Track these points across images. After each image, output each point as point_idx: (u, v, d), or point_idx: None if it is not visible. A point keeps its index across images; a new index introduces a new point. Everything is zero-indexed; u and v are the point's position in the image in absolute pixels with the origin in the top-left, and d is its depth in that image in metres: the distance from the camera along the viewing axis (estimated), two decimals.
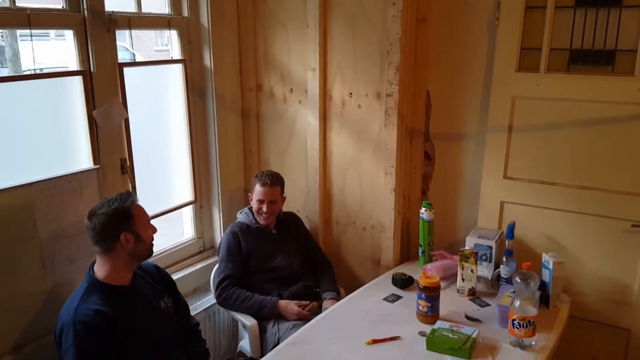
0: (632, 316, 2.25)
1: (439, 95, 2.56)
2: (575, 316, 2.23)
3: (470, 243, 2.33)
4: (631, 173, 2.17)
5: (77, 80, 2.08)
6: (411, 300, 2.11)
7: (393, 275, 2.38)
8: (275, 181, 2.49)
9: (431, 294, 2.01)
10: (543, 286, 2.09)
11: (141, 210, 1.87)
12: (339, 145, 2.64)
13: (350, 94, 2.53)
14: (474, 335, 1.83)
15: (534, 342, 1.84)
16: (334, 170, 2.69)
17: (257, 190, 2.47)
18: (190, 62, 2.58)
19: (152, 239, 1.90)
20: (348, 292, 2.37)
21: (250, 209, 2.56)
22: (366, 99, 2.50)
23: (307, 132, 2.68)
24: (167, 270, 2.24)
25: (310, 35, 2.53)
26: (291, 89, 2.69)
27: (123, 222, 1.79)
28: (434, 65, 2.53)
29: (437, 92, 2.56)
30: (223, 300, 2.38)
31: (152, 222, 1.93)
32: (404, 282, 2.32)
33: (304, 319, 2.23)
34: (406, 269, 2.46)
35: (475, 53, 2.42)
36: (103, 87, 2.13)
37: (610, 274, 2.27)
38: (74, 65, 2.08)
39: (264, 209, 2.46)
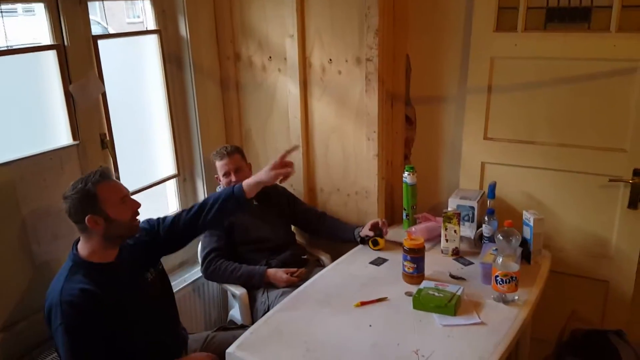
0: (611, 268, 2.32)
1: (418, 58, 2.55)
2: (555, 271, 2.30)
3: (452, 204, 2.38)
4: (607, 129, 2.21)
5: (51, 55, 2.04)
6: (397, 262, 2.15)
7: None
8: (232, 150, 2.48)
9: (416, 255, 2.05)
10: (524, 243, 2.14)
11: (109, 189, 1.78)
12: (320, 112, 2.63)
13: (330, 60, 2.51)
14: (459, 293, 1.88)
15: (516, 297, 1.90)
16: (317, 138, 2.69)
17: (219, 166, 2.46)
18: (166, 32, 2.53)
19: (133, 216, 1.84)
20: (334, 258, 2.40)
21: None
22: (346, 65, 2.48)
23: (288, 101, 2.67)
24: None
25: (287, 0, 2.49)
26: (270, 57, 2.66)
27: (87, 204, 1.73)
28: (412, 28, 2.52)
29: (417, 55, 2.55)
30: (211, 273, 2.39)
31: (135, 197, 1.90)
32: (374, 242, 2.36)
33: (293, 285, 2.26)
34: (391, 233, 2.50)
35: (453, 14, 2.41)
36: (78, 61, 2.09)
37: (588, 228, 2.34)
38: (47, 40, 2.03)
39: (233, 179, 2.43)
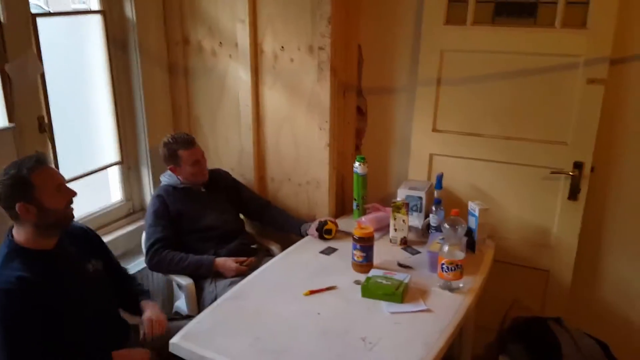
0: (551, 258, 2.41)
1: (370, 49, 2.56)
2: (499, 260, 2.36)
3: (401, 195, 2.40)
4: (550, 122, 2.28)
5: None
6: (347, 251, 2.15)
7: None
8: (194, 138, 2.45)
9: (365, 244, 2.05)
10: (470, 232, 2.19)
11: (45, 176, 1.69)
12: (272, 101, 2.60)
13: (282, 47, 2.48)
14: (406, 281, 1.90)
15: (461, 285, 1.94)
16: (268, 126, 2.65)
17: (188, 154, 2.38)
18: (110, 13, 2.43)
19: (68, 205, 1.76)
20: (285, 248, 2.39)
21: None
22: (298, 53, 2.46)
23: (239, 88, 2.61)
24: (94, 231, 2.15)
25: None
26: (220, 43, 2.60)
27: (19, 191, 1.64)
28: (365, 19, 2.52)
29: (369, 45, 2.56)
30: (155, 264, 2.31)
31: (74, 184, 1.82)
32: (327, 232, 2.36)
33: (242, 275, 2.22)
34: (341, 223, 2.50)
35: (404, 6, 2.43)
36: (15, 39, 1.98)
37: (531, 219, 2.41)
38: None
39: (203, 164, 2.43)
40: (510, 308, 2.43)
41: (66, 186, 1.77)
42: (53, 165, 1.78)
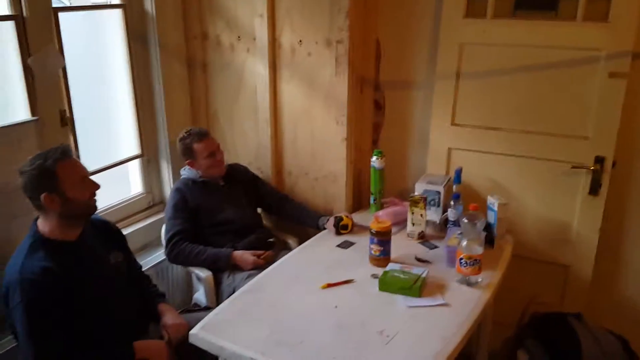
0: (572, 253, 2.38)
1: (388, 43, 2.55)
2: (518, 255, 2.34)
3: (419, 189, 2.39)
4: (571, 116, 2.25)
5: (10, 26, 1.96)
6: (364, 245, 2.15)
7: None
8: (207, 131, 2.49)
9: (383, 238, 2.05)
10: (488, 227, 2.17)
11: (70, 168, 1.72)
12: (289, 95, 2.60)
13: (300, 41, 2.48)
14: (424, 275, 1.90)
15: (480, 279, 1.93)
16: (285, 120, 2.66)
17: (201, 147, 2.41)
18: (131, 7, 2.46)
19: (91, 196, 1.79)
20: (302, 242, 2.39)
21: None
22: (316, 47, 2.45)
23: (257, 82, 2.62)
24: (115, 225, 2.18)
25: None
26: (239, 37, 2.61)
27: (44, 182, 1.67)
28: (383, 13, 2.51)
29: (387, 39, 2.54)
30: (175, 256, 2.34)
31: (95, 177, 1.85)
32: (343, 227, 2.35)
33: (260, 268, 2.24)
34: (358, 217, 2.50)
35: (423, 0, 2.41)
36: (37, 33, 2.01)
37: (551, 214, 2.39)
38: (5, 10, 1.94)
39: (219, 157, 2.45)
40: (529, 303, 2.41)
41: (90, 178, 1.81)
42: (77, 158, 1.80)
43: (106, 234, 1.98)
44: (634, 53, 2.07)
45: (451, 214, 2.24)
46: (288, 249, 2.52)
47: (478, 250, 1.89)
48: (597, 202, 2.26)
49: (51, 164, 1.68)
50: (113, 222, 2.16)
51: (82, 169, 1.79)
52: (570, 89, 2.22)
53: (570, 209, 2.33)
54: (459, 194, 2.26)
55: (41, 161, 1.68)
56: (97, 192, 1.82)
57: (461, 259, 1.90)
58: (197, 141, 2.41)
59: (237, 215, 2.47)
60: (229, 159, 2.69)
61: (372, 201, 2.60)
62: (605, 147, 2.19)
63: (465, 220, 1.92)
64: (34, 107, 2.04)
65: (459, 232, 2.06)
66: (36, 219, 1.77)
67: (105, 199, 2.51)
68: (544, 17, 2.22)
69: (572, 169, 2.26)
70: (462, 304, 1.81)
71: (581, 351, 2.04)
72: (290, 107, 2.62)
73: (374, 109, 2.68)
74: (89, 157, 2.20)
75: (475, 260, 1.88)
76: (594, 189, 2.24)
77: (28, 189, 1.69)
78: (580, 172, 2.26)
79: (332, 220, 2.40)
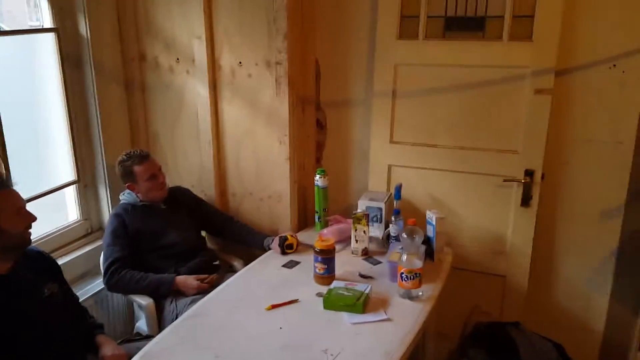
0: (507, 264, 2.47)
1: (327, 63, 2.60)
2: (457, 267, 2.42)
3: (362, 206, 2.43)
4: (501, 132, 2.35)
5: None
6: (309, 264, 2.16)
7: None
8: (148, 153, 2.44)
9: (326, 256, 2.07)
10: (428, 241, 2.23)
11: (6, 198, 1.69)
12: (231, 116, 2.60)
13: (240, 62, 2.49)
14: (367, 291, 1.93)
15: (421, 293, 1.97)
16: (228, 141, 2.65)
17: (142, 169, 2.35)
18: (64, 30, 2.40)
19: (26, 229, 1.74)
20: (247, 263, 2.38)
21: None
22: (256, 68, 2.47)
23: (197, 104, 2.61)
24: (52, 255, 2.10)
25: (193, 0, 2.45)
26: (177, 59, 2.59)
27: None
28: (321, 34, 2.56)
29: (326, 60, 2.59)
30: (114, 284, 2.27)
31: (30, 205, 1.78)
32: (288, 246, 2.37)
33: (204, 292, 2.20)
34: (304, 236, 2.51)
35: (359, 21, 2.48)
36: None
37: (487, 226, 2.48)
38: None
39: (161, 179, 2.41)
40: (470, 314, 2.48)
41: (26, 210, 1.75)
42: (15, 189, 1.74)
43: (40, 264, 1.90)
44: (557, 70, 2.20)
45: (393, 229, 2.29)
46: (233, 271, 2.49)
47: (418, 264, 1.93)
48: (528, 213, 2.36)
49: None
50: (48, 251, 2.08)
51: (19, 199, 1.74)
52: (500, 106, 2.33)
53: (504, 221, 2.43)
54: (399, 209, 2.32)
55: None
56: (33, 224, 1.76)
57: (402, 273, 1.94)
58: (137, 163, 2.36)
59: (179, 239, 2.42)
60: (171, 181, 2.65)
61: (317, 219, 2.61)
62: (534, 160, 2.30)
63: (405, 236, 1.97)
64: None
65: (400, 247, 2.11)
66: None
67: (41, 228, 2.41)
68: (472, 38, 2.32)
69: (504, 182, 2.36)
70: (404, 318, 1.85)
71: (520, 358, 2.12)
72: (232, 128, 2.62)
73: (316, 127, 2.71)
74: (22, 184, 2.12)
75: (416, 274, 1.93)
76: (526, 201, 2.35)
77: None
78: (512, 185, 2.36)
79: (277, 240, 2.40)
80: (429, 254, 2.23)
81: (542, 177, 2.32)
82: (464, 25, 2.31)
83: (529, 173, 2.32)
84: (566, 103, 2.27)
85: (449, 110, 2.40)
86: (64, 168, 2.52)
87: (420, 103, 2.44)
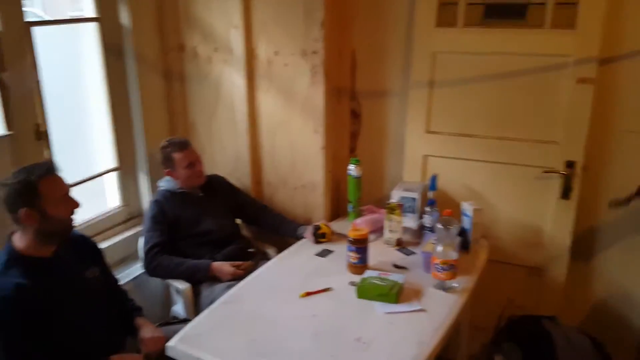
0: (544, 257, 2.42)
1: (363, 52, 2.58)
2: (493, 259, 2.38)
3: (396, 196, 2.42)
4: (541, 122, 2.30)
5: None
6: (342, 254, 2.17)
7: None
8: (188, 141, 2.49)
9: (360, 246, 2.07)
10: (463, 232, 2.21)
11: (53, 184, 1.72)
12: (267, 105, 2.62)
13: (276, 52, 2.51)
14: (401, 281, 1.92)
15: (455, 284, 1.96)
16: (263, 131, 2.67)
17: (181, 157, 2.41)
18: (106, 20, 2.45)
19: (70, 215, 1.79)
20: (280, 251, 2.41)
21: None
22: (292, 58, 2.48)
23: (234, 93, 2.64)
24: (93, 239, 2.16)
25: None
26: (215, 49, 2.63)
27: (25, 197, 1.66)
28: (358, 23, 2.54)
29: (362, 49, 2.58)
30: (153, 269, 2.33)
31: (72, 191, 1.83)
32: (321, 235, 2.38)
33: (239, 279, 2.24)
34: (337, 225, 2.52)
35: (397, 10, 2.45)
36: (11, 48, 2.01)
37: (524, 218, 2.43)
38: None
39: (197, 167, 2.45)
40: (505, 307, 2.45)
41: (71, 197, 1.80)
42: (62, 175, 1.79)
43: (83, 248, 1.96)
44: (600, 59, 2.13)
45: (427, 220, 2.27)
46: (267, 259, 2.52)
47: (453, 255, 1.92)
48: (568, 205, 2.31)
49: (35, 180, 1.67)
50: (90, 236, 2.15)
51: (64, 186, 1.78)
52: (540, 95, 2.28)
53: (543, 213, 2.38)
54: (435, 200, 2.30)
55: (25, 176, 1.67)
56: (76, 209, 1.82)
57: (437, 264, 1.92)
58: (177, 151, 2.41)
59: (216, 226, 2.47)
60: (208, 170, 2.69)
61: (350, 209, 2.62)
62: (575, 151, 2.24)
63: (440, 226, 1.95)
64: (8, 121, 2.03)
65: (434, 238, 2.09)
66: (10, 235, 1.76)
67: (82, 213, 2.49)
68: (513, 25, 2.27)
69: (543, 174, 2.31)
70: (438, 309, 1.84)
71: (556, 353, 2.08)
72: (268, 117, 2.64)
73: (351, 117, 2.71)
74: (65, 171, 2.19)
75: (451, 265, 1.91)
76: (566, 193, 2.29)
77: (8, 202, 1.68)
78: (552, 177, 2.31)
79: (310, 228, 2.41)
80: (464, 246, 2.20)
81: (584, 169, 2.26)
82: (505, 12, 2.27)
83: (570, 164, 2.26)
84: (609, 93, 2.20)
85: (488, 100, 2.36)
86: (105, 155, 2.59)
87: (458, 92, 2.40)
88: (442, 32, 2.36)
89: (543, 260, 2.43)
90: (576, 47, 2.15)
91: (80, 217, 2.41)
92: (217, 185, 2.60)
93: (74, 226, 1.84)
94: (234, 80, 2.61)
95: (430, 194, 2.35)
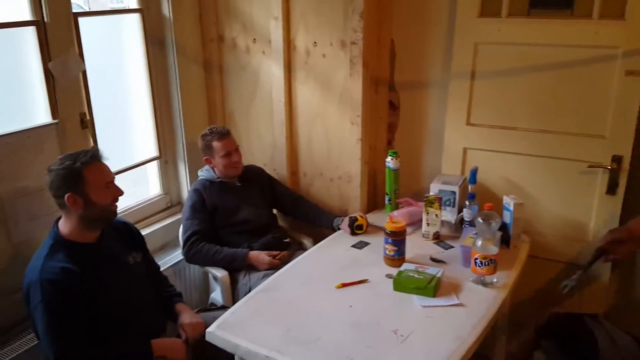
0: (588, 253, 2.34)
1: (403, 43, 2.55)
2: (535, 255, 2.32)
3: (434, 189, 2.39)
4: (587, 115, 2.23)
5: (31, 31, 2.00)
6: (379, 246, 2.16)
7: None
8: (229, 130, 2.50)
9: (397, 238, 2.06)
10: (504, 227, 2.16)
11: (97, 171, 1.76)
12: (304, 96, 2.62)
13: (315, 43, 2.50)
14: (439, 275, 1.90)
15: (495, 280, 1.92)
16: (300, 121, 2.68)
17: (219, 146, 2.44)
18: (148, 11, 2.49)
19: (113, 202, 1.83)
20: (316, 242, 2.41)
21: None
22: (331, 48, 2.47)
23: (272, 84, 2.65)
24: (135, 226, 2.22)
25: None
26: (254, 39, 2.64)
27: (70, 182, 1.71)
28: (397, 13, 2.51)
29: (402, 39, 2.55)
30: (192, 256, 2.38)
31: (115, 179, 1.87)
32: (358, 227, 2.37)
33: (275, 268, 2.26)
34: (373, 217, 2.51)
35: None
36: (58, 37, 2.06)
37: (567, 214, 2.37)
38: (27, 16, 1.99)
39: (235, 158, 2.46)
40: (546, 304, 2.39)
41: (115, 184, 1.85)
42: (107, 163, 1.84)
43: (126, 235, 2.01)
44: None
45: (466, 214, 2.23)
46: (303, 249, 2.54)
47: (493, 250, 1.88)
48: (614, 201, 2.23)
49: (80, 166, 1.72)
50: (132, 223, 2.20)
51: (109, 174, 1.83)
52: (586, 88, 2.20)
53: (587, 208, 2.31)
54: (475, 194, 2.26)
55: (70, 162, 1.73)
56: (119, 198, 1.86)
57: (476, 259, 1.89)
58: (216, 139, 2.44)
59: (253, 216, 2.49)
60: (245, 160, 2.71)
61: (387, 201, 2.60)
62: (622, 146, 2.17)
63: (481, 220, 1.92)
64: (54, 110, 2.09)
65: (474, 232, 2.06)
66: (57, 220, 1.81)
67: (125, 200, 2.55)
68: (559, 16, 2.20)
69: (588, 169, 2.24)
70: (477, 304, 1.81)
71: (598, 351, 2.02)
72: (305, 108, 2.64)
73: (389, 109, 2.68)
74: (109, 159, 2.25)
75: (491, 260, 1.88)
76: (612, 189, 2.22)
77: (54, 187, 1.73)
78: (597, 172, 2.24)
79: (346, 220, 2.41)
80: (505, 241, 2.16)
81: (631, 164, 2.18)
82: (551, 2, 2.20)
83: (617, 159, 2.18)
84: None
85: (531, 92, 2.30)
86: (147, 144, 2.64)
87: (501, 84, 2.35)
88: (485, 23, 2.30)
89: (586, 257, 2.35)
90: (625, 38, 2.07)
91: (123, 204, 2.49)
92: (254, 176, 2.63)
93: (116, 214, 1.88)
94: (272, 70, 2.62)
95: (470, 188, 2.31)
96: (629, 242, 1.88)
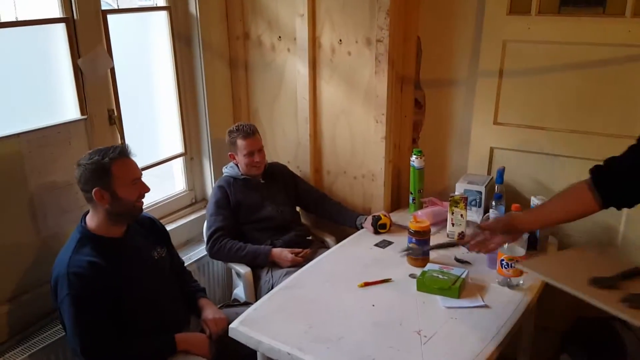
0: (617, 256, 2.30)
1: (429, 40, 2.52)
2: None
3: (460, 189, 2.36)
4: (619, 115, 2.17)
5: (61, 28, 2.03)
6: (402, 245, 2.14)
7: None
8: (255, 130, 2.49)
9: (421, 238, 2.04)
10: None
11: (124, 167, 1.79)
12: (329, 94, 2.62)
13: (340, 40, 2.49)
14: (463, 276, 1.88)
15: (521, 282, 1.89)
16: (325, 119, 2.67)
17: (243, 144, 2.44)
18: (176, 9, 2.52)
19: (139, 198, 1.85)
20: (339, 240, 2.41)
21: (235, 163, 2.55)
22: (356, 46, 2.46)
23: (297, 82, 2.65)
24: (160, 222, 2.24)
25: None
26: (279, 37, 2.64)
27: (97, 177, 1.74)
28: (424, 10, 2.48)
29: (428, 37, 2.52)
30: (216, 252, 2.39)
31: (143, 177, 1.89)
32: (381, 226, 2.36)
33: (298, 265, 2.26)
34: (397, 216, 2.49)
35: None
36: (87, 34, 2.09)
37: (596, 216, 2.28)
38: (56, 13, 2.02)
39: (257, 158, 2.46)
40: (574, 308, 2.34)
41: (142, 181, 1.86)
42: (135, 159, 1.86)
43: (151, 230, 2.04)
44: None
45: (493, 214, 2.20)
46: (326, 247, 2.54)
47: (520, 251, 1.85)
48: None
49: (108, 162, 1.75)
50: (157, 218, 2.23)
51: (136, 170, 1.85)
52: (618, 87, 2.15)
53: (616, 212, 2.23)
54: (502, 194, 2.22)
55: (99, 157, 1.75)
56: (146, 194, 1.88)
57: (502, 260, 1.86)
58: (241, 137, 2.45)
59: (276, 213, 2.50)
60: (269, 157, 2.73)
61: (411, 201, 2.58)
62: None
63: None
64: (83, 106, 2.12)
65: None
66: (85, 215, 1.84)
67: (151, 196, 2.58)
68: (591, 14, 2.15)
69: None
70: (502, 306, 1.78)
71: (627, 355, 1.98)
72: (329, 106, 2.63)
73: (414, 107, 2.66)
74: (136, 155, 2.28)
75: (517, 262, 1.85)
76: None
77: (82, 181, 1.76)
78: None
79: (370, 219, 2.40)
80: (532, 242, 2.12)
81: None
82: (582, 0, 2.14)
83: None
84: None
85: (561, 91, 2.25)
86: (173, 141, 2.67)
87: (529, 83, 2.30)
88: (514, 20, 2.26)
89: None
90: None
91: (149, 199, 2.52)
92: (278, 173, 2.63)
93: (142, 209, 1.90)
94: (297, 68, 2.62)
95: (497, 188, 2.27)
96: (505, 235, 1.71)
